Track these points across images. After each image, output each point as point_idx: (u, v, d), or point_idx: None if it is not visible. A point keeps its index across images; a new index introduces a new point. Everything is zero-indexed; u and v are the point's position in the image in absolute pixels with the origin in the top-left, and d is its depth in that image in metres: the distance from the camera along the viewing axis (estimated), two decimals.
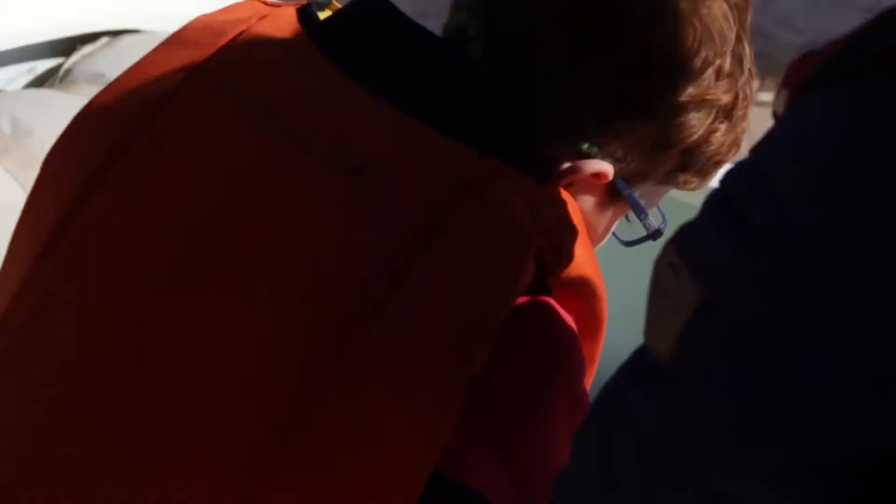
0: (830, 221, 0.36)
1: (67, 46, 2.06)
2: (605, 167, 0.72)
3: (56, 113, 1.80)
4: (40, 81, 2.07)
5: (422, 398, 0.64)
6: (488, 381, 0.66)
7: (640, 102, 0.73)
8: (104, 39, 2.02)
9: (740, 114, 0.77)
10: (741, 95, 0.76)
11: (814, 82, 0.41)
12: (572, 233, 0.70)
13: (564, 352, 0.73)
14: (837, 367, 0.36)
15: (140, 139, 0.71)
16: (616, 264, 1.28)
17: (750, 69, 0.76)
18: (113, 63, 1.95)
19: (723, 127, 0.75)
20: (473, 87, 0.71)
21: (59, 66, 2.04)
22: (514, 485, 0.67)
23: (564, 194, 0.70)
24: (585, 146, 0.70)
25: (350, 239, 0.67)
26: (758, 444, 0.39)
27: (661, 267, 0.42)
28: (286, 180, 0.68)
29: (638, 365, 0.44)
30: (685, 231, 0.42)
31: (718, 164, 0.77)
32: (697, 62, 0.70)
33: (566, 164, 0.72)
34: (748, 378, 0.38)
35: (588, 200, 0.76)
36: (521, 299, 0.67)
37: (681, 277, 0.41)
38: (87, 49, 2.02)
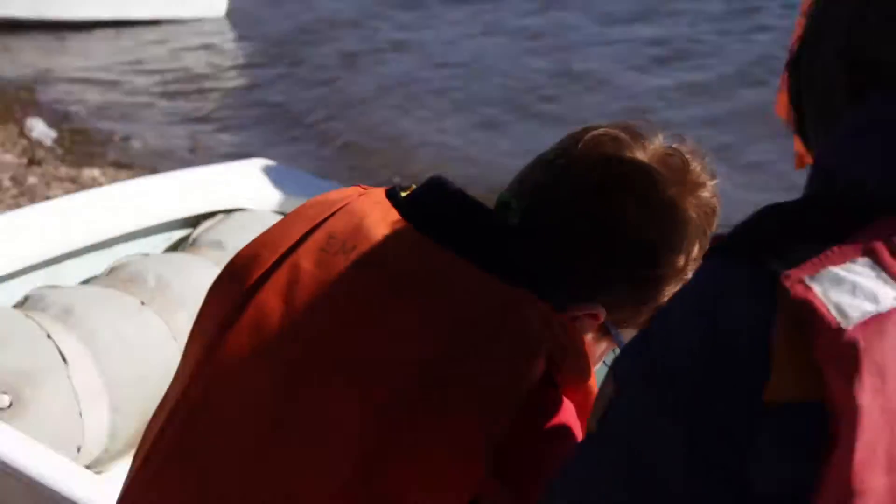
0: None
1: (193, 221, 2.57)
2: (600, 311, 0.97)
3: (187, 270, 2.40)
4: (174, 247, 2.58)
5: (462, 461, 0.90)
6: (513, 444, 0.88)
7: (634, 285, 1.00)
8: (220, 216, 2.55)
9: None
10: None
11: (708, 253, 0.65)
12: (575, 343, 0.93)
13: (565, 425, 0.95)
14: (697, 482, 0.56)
15: (273, 276, 0.99)
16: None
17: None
18: (227, 233, 2.51)
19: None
20: (507, 244, 0.98)
21: (188, 236, 2.58)
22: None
23: (570, 321, 0.94)
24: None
25: (409, 339, 0.94)
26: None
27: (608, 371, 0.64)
28: (374, 313, 0.95)
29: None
30: (621, 352, 0.67)
31: None
32: (680, 261, 0.96)
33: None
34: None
35: (588, 332, 0.99)
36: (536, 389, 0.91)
37: (608, 379, 0.62)
38: (207, 223, 2.54)
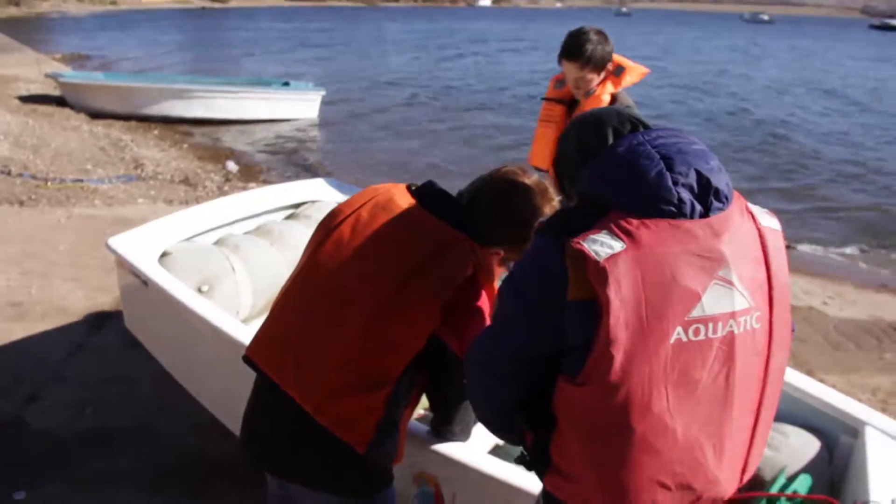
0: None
1: (297, 205, 3.79)
2: (499, 251, 1.72)
3: (293, 229, 3.49)
4: (288, 218, 3.75)
5: (428, 311, 1.61)
6: (453, 305, 1.62)
7: (517, 237, 1.68)
8: (308, 203, 3.77)
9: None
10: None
11: (537, 231, 1.34)
12: (488, 264, 1.71)
13: (483, 299, 1.68)
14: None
15: (346, 220, 1.71)
16: None
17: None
18: (312, 211, 3.68)
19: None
20: (459, 213, 1.69)
21: (294, 213, 3.74)
22: (459, 341, 1.65)
23: (485, 254, 1.69)
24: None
25: (410, 248, 1.65)
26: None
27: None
28: (394, 236, 1.66)
29: None
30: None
31: None
32: (535, 221, 1.57)
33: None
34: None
35: (493, 261, 1.74)
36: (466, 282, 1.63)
37: (500, 286, 1.39)
38: (303, 207, 3.80)
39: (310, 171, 10.20)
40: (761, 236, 1.30)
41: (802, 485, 2.31)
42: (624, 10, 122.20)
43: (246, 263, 3.13)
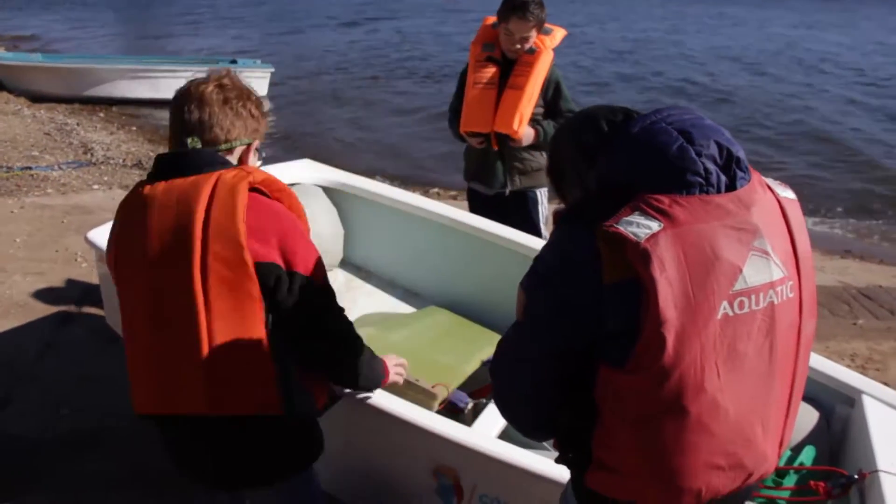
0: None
1: None
2: (251, 145, 1.83)
3: None
4: None
5: (236, 254, 1.63)
6: (255, 230, 1.64)
7: (245, 121, 1.80)
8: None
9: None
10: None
11: (554, 221, 1.35)
12: (260, 171, 1.75)
13: (271, 204, 1.73)
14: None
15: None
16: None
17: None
18: None
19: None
20: (196, 153, 1.75)
21: None
22: (282, 258, 1.68)
23: (245, 160, 1.82)
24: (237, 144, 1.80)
25: (183, 222, 1.66)
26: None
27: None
28: (157, 219, 1.68)
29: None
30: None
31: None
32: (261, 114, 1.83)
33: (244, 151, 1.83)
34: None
35: (249, 158, 1.84)
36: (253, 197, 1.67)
37: (521, 286, 1.32)
38: None
39: (265, 149, 9.98)
40: (781, 207, 1.30)
41: (807, 456, 2.34)
42: None
43: None
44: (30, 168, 7.73)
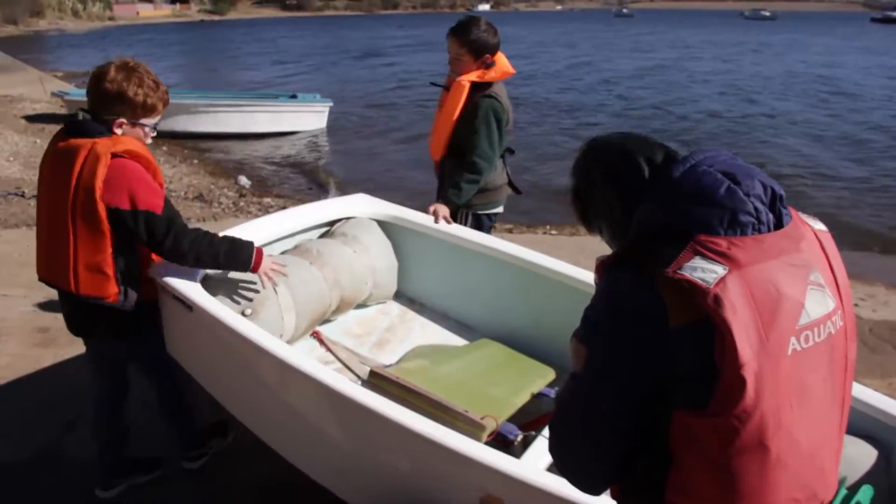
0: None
1: (332, 223, 3.82)
2: (121, 120, 2.58)
3: (330, 247, 3.50)
4: (323, 235, 3.81)
5: (92, 198, 2.49)
6: (107, 181, 2.50)
7: (127, 108, 2.58)
8: (343, 220, 3.79)
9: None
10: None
11: (603, 269, 1.31)
12: (125, 141, 2.56)
13: (136, 168, 2.57)
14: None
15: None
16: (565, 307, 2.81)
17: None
18: (348, 228, 3.66)
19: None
20: (90, 122, 2.62)
21: (329, 230, 3.82)
22: (129, 202, 2.55)
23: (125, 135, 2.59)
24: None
25: (66, 166, 2.56)
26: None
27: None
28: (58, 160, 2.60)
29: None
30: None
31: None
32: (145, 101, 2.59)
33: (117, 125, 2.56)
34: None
35: (135, 135, 2.65)
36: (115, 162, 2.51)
37: (574, 338, 1.30)
38: (339, 224, 3.80)
39: (322, 183, 10.17)
40: (818, 239, 1.33)
41: (865, 496, 2.29)
42: (625, 10, 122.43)
43: (288, 284, 3.10)
44: None
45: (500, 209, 3.93)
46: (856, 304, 5.65)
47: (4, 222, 7.05)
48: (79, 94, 14.25)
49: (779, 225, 1.27)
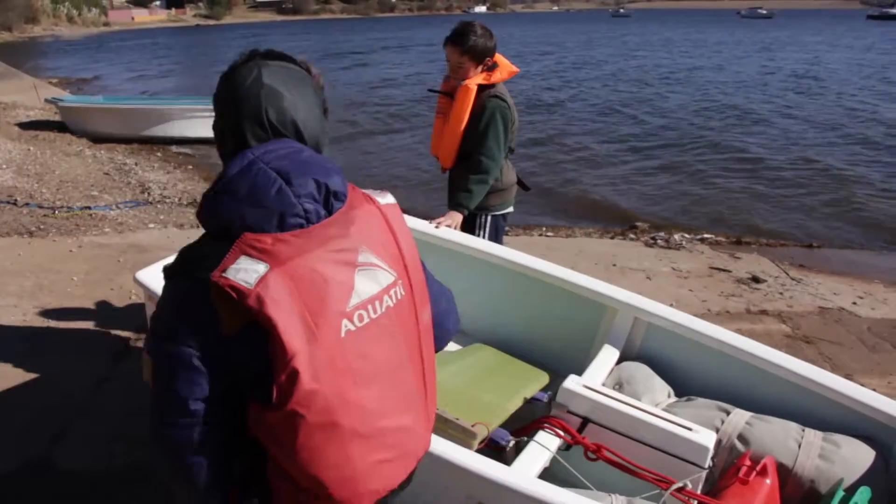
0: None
1: None
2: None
3: None
4: None
5: None
6: None
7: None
8: None
9: None
10: None
11: (164, 277, 1.31)
12: None
13: None
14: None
15: None
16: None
17: None
18: None
19: None
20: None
21: None
22: None
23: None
24: None
25: None
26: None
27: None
28: None
29: None
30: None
31: None
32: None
33: None
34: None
35: None
36: None
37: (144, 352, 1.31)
38: None
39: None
40: (383, 213, 1.38)
41: (863, 497, 2.28)
42: (622, 10, 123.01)
43: None
44: (89, 208, 8.00)
45: (511, 209, 4.00)
46: (854, 303, 5.63)
47: None
48: (73, 100, 14.25)
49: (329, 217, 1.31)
